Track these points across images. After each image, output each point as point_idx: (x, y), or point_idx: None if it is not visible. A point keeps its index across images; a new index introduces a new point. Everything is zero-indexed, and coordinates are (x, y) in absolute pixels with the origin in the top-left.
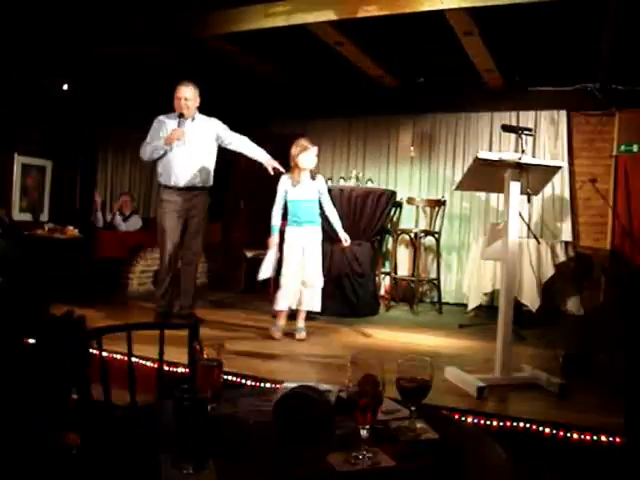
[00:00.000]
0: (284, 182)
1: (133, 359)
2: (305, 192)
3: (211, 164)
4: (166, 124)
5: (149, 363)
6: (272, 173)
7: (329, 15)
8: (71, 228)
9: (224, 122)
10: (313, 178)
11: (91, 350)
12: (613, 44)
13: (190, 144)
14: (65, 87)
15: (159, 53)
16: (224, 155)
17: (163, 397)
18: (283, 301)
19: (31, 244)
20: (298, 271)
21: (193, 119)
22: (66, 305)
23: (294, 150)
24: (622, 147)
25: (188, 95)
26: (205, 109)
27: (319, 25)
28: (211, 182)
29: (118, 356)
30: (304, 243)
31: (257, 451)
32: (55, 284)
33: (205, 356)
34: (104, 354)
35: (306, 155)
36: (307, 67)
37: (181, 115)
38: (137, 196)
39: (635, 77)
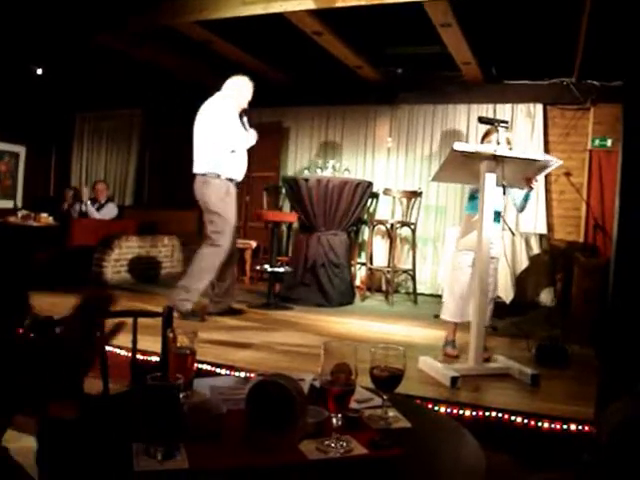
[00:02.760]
0: None
1: (106, 347)
2: None
3: None
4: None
5: (122, 352)
6: None
7: (308, 4)
8: (45, 215)
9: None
10: None
11: None
12: (589, 39)
13: None
14: (39, 72)
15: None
16: None
17: (136, 385)
18: None
19: (3, 231)
20: None
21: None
22: (41, 293)
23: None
24: (596, 141)
25: None
26: (178, 96)
27: (297, 14)
28: None
29: None
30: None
31: (229, 439)
32: (29, 272)
33: (178, 344)
34: None
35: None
36: (284, 55)
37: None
38: (112, 184)
39: (610, 73)
